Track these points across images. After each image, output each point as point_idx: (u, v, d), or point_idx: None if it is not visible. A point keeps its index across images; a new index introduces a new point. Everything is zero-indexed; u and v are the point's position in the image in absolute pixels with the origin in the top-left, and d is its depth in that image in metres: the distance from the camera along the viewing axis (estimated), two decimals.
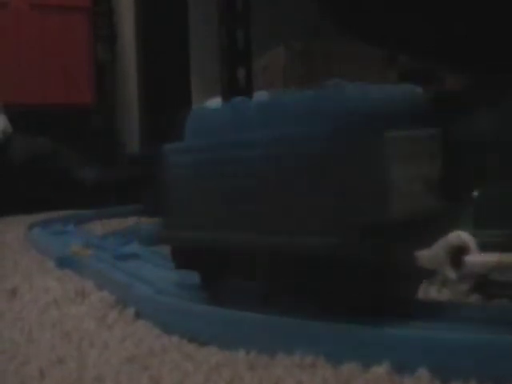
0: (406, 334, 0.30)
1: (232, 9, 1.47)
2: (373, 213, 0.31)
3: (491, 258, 0.29)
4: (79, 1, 1.79)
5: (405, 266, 0.31)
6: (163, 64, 1.08)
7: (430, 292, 0.42)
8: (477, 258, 0.29)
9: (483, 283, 0.40)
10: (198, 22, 1.23)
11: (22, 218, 1.10)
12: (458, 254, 0.30)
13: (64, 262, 0.62)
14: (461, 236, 0.30)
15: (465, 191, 0.49)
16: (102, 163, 1.42)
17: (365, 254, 0.30)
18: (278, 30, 1.92)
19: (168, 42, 1.08)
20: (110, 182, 1.37)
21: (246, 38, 1.46)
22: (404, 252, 0.30)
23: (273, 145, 0.34)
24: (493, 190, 0.53)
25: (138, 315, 0.43)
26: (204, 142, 0.39)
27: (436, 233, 0.30)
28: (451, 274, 0.33)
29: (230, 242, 0.37)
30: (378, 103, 0.32)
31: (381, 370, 0.28)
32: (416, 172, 0.33)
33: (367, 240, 0.30)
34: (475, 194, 0.52)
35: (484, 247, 0.47)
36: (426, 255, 0.30)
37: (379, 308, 0.31)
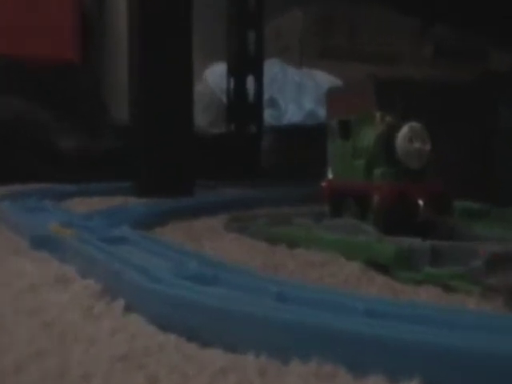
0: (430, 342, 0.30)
1: None
2: None
3: None
4: None
5: None
6: (159, 23, 1.07)
7: (468, 303, 0.42)
8: None
9: None
10: None
11: None
12: None
13: (41, 243, 0.62)
14: None
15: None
16: (85, 131, 1.42)
17: None
18: None
19: None
20: (94, 154, 1.36)
21: None
22: None
23: None
24: None
25: (128, 307, 0.43)
26: None
27: None
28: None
29: None
30: None
31: None
32: None
33: None
34: None
35: None
36: None
37: None
